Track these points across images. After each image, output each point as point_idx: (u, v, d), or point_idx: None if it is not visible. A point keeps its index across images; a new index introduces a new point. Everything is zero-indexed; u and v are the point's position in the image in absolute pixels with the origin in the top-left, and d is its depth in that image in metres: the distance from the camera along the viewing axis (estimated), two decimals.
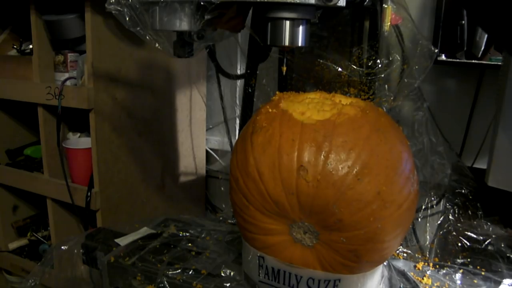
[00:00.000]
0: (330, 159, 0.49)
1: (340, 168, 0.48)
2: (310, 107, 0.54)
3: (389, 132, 0.52)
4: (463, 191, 0.96)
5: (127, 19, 0.63)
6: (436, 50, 0.80)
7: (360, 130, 0.51)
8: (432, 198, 1.05)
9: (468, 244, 0.74)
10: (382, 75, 0.80)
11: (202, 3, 0.58)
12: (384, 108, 0.81)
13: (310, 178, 0.49)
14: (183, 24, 0.60)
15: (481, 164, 1.03)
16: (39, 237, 1.34)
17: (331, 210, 0.49)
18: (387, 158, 0.50)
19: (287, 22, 0.61)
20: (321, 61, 0.80)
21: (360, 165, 0.49)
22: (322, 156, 0.49)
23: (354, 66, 0.79)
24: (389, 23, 0.75)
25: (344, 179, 0.48)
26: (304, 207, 0.51)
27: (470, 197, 0.95)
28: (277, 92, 0.60)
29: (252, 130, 0.55)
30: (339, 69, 0.79)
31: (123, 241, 0.78)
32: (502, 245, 0.73)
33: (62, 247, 0.79)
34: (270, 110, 0.56)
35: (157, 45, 0.69)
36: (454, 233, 0.77)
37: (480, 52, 0.98)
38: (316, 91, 0.60)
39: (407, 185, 0.51)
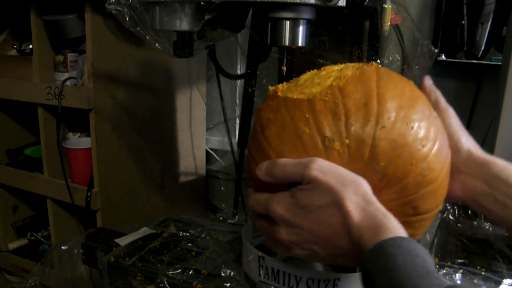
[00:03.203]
0: (351, 120, 0.47)
1: (363, 125, 0.47)
2: (307, 84, 0.53)
3: (393, 76, 0.51)
4: None
5: (127, 19, 0.63)
6: (436, 50, 0.80)
7: (366, 83, 0.49)
8: None
9: (468, 244, 0.74)
10: None
11: (202, 3, 0.58)
12: None
13: (338, 145, 0.47)
14: (183, 24, 0.60)
15: None
16: (39, 237, 1.34)
17: (372, 169, 0.48)
18: (404, 98, 0.49)
19: (287, 22, 0.61)
20: (321, 61, 0.80)
21: (381, 114, 0.47)
22: (341, 120, 0.47)
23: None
24: (389, 23, 0.75)
25: (372, 134, 0.47)
26: None
27: None
28: (270, 87, 0.59)
29: (261, 128, 0.53)
30: None
31: (123, 241, 0.79)
32: (502, 245, 0.73)
33: (62, 247, 0.79)
34: (270, 103, 0.54)
35: (157, 45, 0.69)
36: (454, 233, 0.77)
37: (480, 52, 0.99)
38: (305, 72, 0.59)
39: (432, 120, 0.50)
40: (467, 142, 0.55)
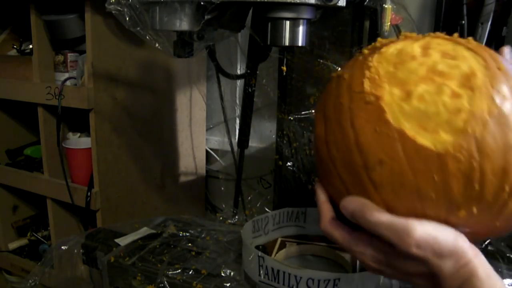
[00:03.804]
0: (485, 189, 0.39)
1: (496, 195, 0.40)
2: (428, 110, 0.40)
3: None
4: None
5: (127, 19, 0.63)
6: None
7: (507, 134, 0.39)
8: None
9: None
10: None
11: (202, 3, 0.58)
12: None
13: (463, 213, 0.40)
14: (183, 24, 0.60)
15: None
16: (39, 237, 1.34)
17: (487, 227, 0.43)
18: None
19: (287, 22, 0.61)
20: (321, 61, 0.80)
21: None
22: (475, 189, 0.39)
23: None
24: (389, 23, 0.75)
25: (501, 204, 0.41)
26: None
27: None
28: (365, 81, 0.43)
29: (366, 165, 0.41)
30: (339, 69, 0.79)
31: (123, 241, 0.79)
32: (502, 245, 0.73)
33: (62, 247, 0.79)
34: (377, 129, 0.41)
35: (157, 45, 0.69)
36: None
37: None
38: (400, 41, 0.46)
39: None
40: None
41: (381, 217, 0.41)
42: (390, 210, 0.41)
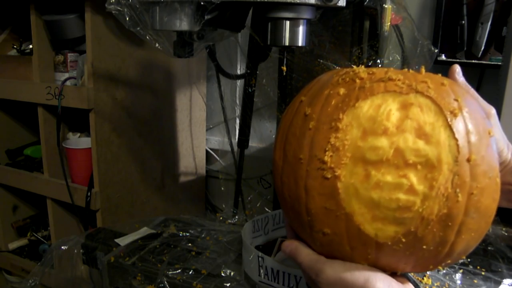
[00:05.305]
0: (407, 268, 0.43)
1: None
2: (381, 204, 0.39)
3: (483, 209, 0.40)
4: None
5: (127, 19, 0.63)
6: (436, 50, 0.80)
7: (447, 230, 0.39)
8: None
9: None
10: None
11: (202, 3, 0.58)
12: None
13: (387, 272, 0.44)
14: (183, 24, 0.60)
15: None
16: (39, 237, 1.34)
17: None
18: (473, 241, 0.42)
19: (287, 22, 0.61)
20: (321, 61, 0.80)
21: (442, 261, 0.42)
22: (399, 267, 0.43)
23: (354, 66, 0.79)
24: (389, 23, 0.75)
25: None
26: None
27: None
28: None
29: (311, 226, 0.43)
30: (337, 67, 0.79)
31: (123, 241, 0.79)
32: (502, 245, 0.73)
33: (62, 247, 0.79)
34: (327, 207, 0.41)
35: (157, 45, 0.69)
36: None
37: (480, 52, 0.99)
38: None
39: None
40: (509, 153, 0.49)
41: (305, 258, 0.46)
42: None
